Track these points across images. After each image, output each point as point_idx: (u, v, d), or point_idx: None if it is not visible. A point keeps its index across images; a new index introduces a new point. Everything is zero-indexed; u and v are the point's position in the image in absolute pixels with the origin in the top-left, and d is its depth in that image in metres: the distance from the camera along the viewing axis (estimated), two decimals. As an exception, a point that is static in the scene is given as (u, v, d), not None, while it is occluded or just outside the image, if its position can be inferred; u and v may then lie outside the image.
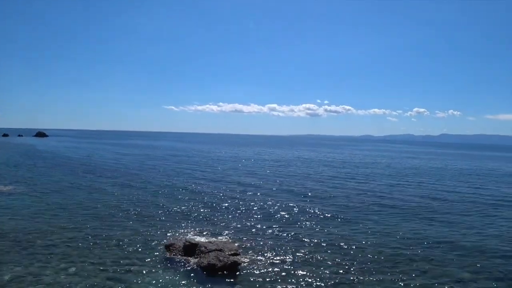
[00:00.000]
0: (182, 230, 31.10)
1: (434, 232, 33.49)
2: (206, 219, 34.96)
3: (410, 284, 21.74)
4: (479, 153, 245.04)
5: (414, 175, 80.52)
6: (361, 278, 22.75)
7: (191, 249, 25.21)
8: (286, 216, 37.17)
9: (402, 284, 21.77)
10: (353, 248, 28.07)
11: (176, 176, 64.01)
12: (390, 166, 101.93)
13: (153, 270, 22.60)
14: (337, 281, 22.15)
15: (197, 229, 31.65)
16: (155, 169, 75.05)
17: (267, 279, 22.03)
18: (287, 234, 31.04)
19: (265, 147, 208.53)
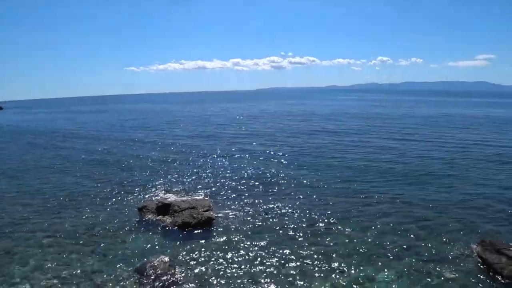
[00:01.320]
0: (155, 192, 31.46)
1: (400, 166, 35.42)
2: (178, 179, 35.35)
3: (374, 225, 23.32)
4: (441, 99, 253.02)
5: (380, 122, 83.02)
6: (328, 225, 24.15)
7: (164, 209, 25.69)
8: (257, 171, 37.98)
9: (378, 226, 23.40)
10: (322, 198, 29.39)
11: (143, 138, 63.22)
12: (356, 116, 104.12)
13: (128, 234, 23.04)
14: (308, 231, 23.39)
15: (169, 189, 32.08)
16: (120, 133, 73.71)
17: (241, 233, 22.98)
18: (259, 188, 31.99)
19: (231, 102, 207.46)
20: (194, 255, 20.18)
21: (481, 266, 19.07)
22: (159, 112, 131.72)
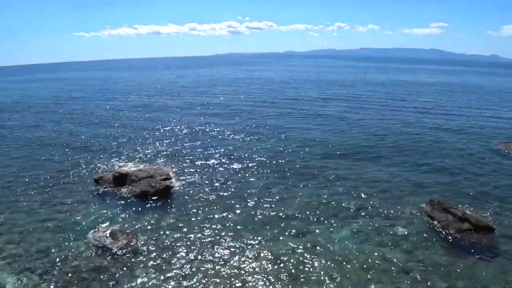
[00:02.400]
0: (110, 162, 30.67)
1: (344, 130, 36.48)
2: (134, 148, 34.59)
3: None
4: (395, 65, 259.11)
5: (338, 89, 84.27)
6: (286, 189, 24.70)
7: (121, 179, 25.17)
8: (214, 137, 37.87)
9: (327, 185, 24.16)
10: (279, 163, 29.85)
11: (97, 109, 60.34)
12: (314, 83, 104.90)
13: (84, 206, 22.49)
14: (265, 196, 23.81)
15: (126, 159, 31.39)
16: (71, 103, 70.17)
17: (200, 199, 23.07)
18: (216, 155, 31.95)
19: (189, 68, 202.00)
20: (153, 224, 20.07)
21: (430, 224, 20.29)
22: (112, 80, 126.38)
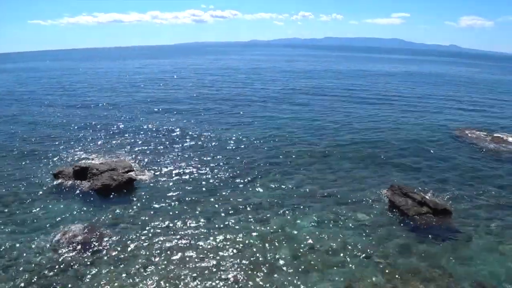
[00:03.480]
0: (70, 155, 29.61)
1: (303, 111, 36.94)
2: (95, 141, 33.53)
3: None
4: (358, 54, 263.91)
5: (302, 77, 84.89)
6: (251, 180, 24.78)
7: (82, 173, 24.37)
8: (178, 129, 37.27)
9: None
10: (243, 154, 29.85)
11: (54, 101, 57.28)
12: (278, 72, 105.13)
13: (43, 201, 21.63)
14: (230, 186, 23.81)
15: (87, 152, 30.41)
16: (28, 96, 66.92)
17: (164, 190, 22.75)
18: (180, 146, 31.54)
19: (151, 58, 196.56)
20: (115, 218, 19.63)
21: (391, 208, 20.92)
22: (71, 71, 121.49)
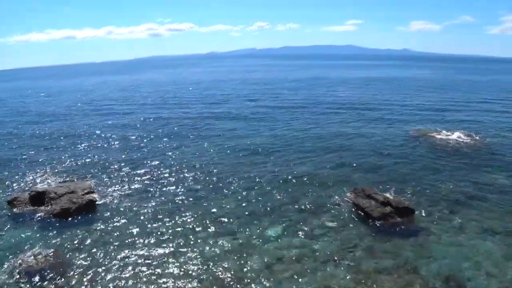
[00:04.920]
0: (25, 180, 28.14)
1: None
2: (51, 163, 32.02)
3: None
4: (315, 62, 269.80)
5: (261, 87, 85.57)
6: (214, 192, 24.54)
7: (39, 198, 23.24)
8: (136, 145, 36.44)
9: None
10: (204, 166, 29.57)
11: (4, 122, 55.14)
12: (240, 82, 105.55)
13: (-1, 231, 20.39)
14: (193, 201, 23.48)
15: (43, 175, 29.02)
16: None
17: (127, 210, 22.08)
18: (141, 163, 30.74)
19: (108, 74, 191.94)
20: (78, 243, 18.78)
21: (355, 211, 21.30)
22: (22, 91, 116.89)
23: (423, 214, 20.90)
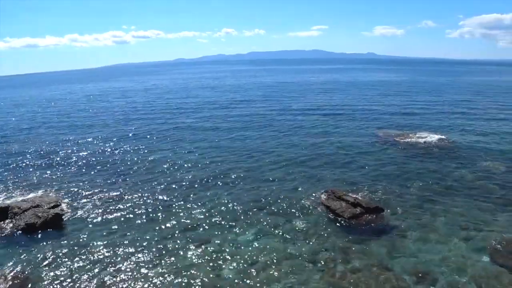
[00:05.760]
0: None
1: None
2: (14, 177, 30.62)
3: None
4: (283, 67, 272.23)
5: (226, 91, 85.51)
6: (184, 200, 24.25)
7: (2, 213, 22.26)
8: (102, 155, 35.47)
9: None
10: (175, 172, 29.20)
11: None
12: (208, 89, 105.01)
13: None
14: (165, 206, 23.11)
15: (6, 189, 27.74)
16: None
17: (95, 222, 21.43)
18: (107, 173, 29.99)
19: (72, 83, 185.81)
20: (45, 259, 18.01)
21: (327, 213, 21.52)
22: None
23: (393, 213, 21.37)
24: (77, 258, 17.90)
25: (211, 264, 17.00)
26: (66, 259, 17.87)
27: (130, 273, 16.55)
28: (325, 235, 19.29)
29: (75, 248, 18.93)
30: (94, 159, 34.47)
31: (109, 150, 37.49)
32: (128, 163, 32.67)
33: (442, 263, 16.64)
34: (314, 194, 24.00)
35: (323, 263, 16.84)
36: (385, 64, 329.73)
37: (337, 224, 20.31)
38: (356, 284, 15.29)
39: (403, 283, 15.33)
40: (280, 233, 19.56)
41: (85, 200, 24.73)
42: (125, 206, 23.53)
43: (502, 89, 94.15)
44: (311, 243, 18.54)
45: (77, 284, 15.91)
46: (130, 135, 44.12)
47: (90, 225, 21.19)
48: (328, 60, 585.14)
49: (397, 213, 21.43)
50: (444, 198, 23.39)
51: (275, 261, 17.09)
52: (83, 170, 31.13)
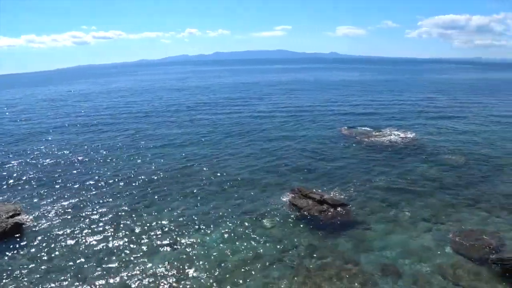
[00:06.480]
0: None
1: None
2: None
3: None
4: (247, 67, 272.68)
5: (192, 93, 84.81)
6: (151, 203, 23.87)
7: (-44, 225, 21.07)
8: (63, 159, 34.17)
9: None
10: (140, 176, 28.65)
11: None
12: (172, 89, 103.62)
13: None
14: (131, 211, 22.65)
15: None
16: None
17: (58, 230, 20.67)
18: (67, 178, 28.91)
19: (28, 86, 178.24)
20: (5, 271, 17.16)
21: (294, 211, 21.75)
22: None
23: (359, 208, 21.90)
24: (38, 267, 17.25)
25: (178, 267, 16.82)
26: (27, 269, 17.16)
27: (94, 281, 16.10)
28: (293, 233, 19.50)
29: (37, 256, 18.25)
30: (53, 166, 32.95)
31: (69, 157, 35.87)
32: (89, 170, 31.45)
33: (407, 255, 17.24)
34: (281, 194, 24.19)
35: (291, 260, 17.01)
36: (347, 63, 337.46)
37: (305, 221, 20.57)
38: (325, 280, 15.54)
39: (370, 276, 15.73)
40: (248, 233, 19.61)
41: (45, 209, 23.76)
42: (87, 214, 22.82)
43: (460, 86, 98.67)
44: (279, 241, 18.69)
45: (40, 295, 15.30)
46: (91, 141, 42.52)
47: (52, 234, 20.41)
48: (291, 60, 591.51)
49: (363, 208, 21.97)
50: (408, 192, 24.25)
51: (243, 260, 17.12)
52: (43, 179, 29.69)
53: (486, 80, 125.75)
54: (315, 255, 17.37)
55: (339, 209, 21.32)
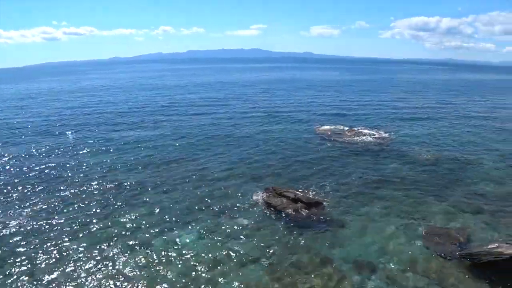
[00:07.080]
0: None
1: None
2: None
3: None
4: (222, 65, 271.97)
5: (166, 92, 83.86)
6: (124, 203, 23.37)
7: None
8: (32, 166, 32.68)
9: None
10: (114, 175, 28.06)
11: None
12: (144, 88, 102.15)
13: None
14: (103, 210, 22.12)
15: None
16: None
17: (26, 234, 19.86)
18: (37, 185, 27.67)
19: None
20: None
21: (268, 210, 21.73)
22: None
23: (333, 206, 22.09)
24: (6, 271, 16.56)
25: (152, 268, 16.49)
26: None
27: (67, 283, 15.60)
28: (268, 231, 19.48)
29: (5, 259, 17.49)
30: (22, 169, 31.65)
31: (38, 159, 34.56)
32: (60, 172, 30.38)
33: (380, 251, 17.55)
34: (255, 193, 24.14)
35: (266, 259, 16.98)
36: (320, 62, 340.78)
37: (279, 220, 20.58)
38: (300, 278, 15.58)
39: (344, 273, 15.88)
40: (223, 232, 19.46)
41: (14, 212, 22.86)
42: (61, 214, 22.11)
43: (432, 86, 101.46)
44: (254, 240, 18.62)
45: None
46: (62, 142, 41.24)
47: (21, 236, 19.67)
48: (266, 58, 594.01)
49: (337, 206, 22.17)
50: (381, 190, 24.68)
51: (218, 259, 16.97)
52: (14, 181, 28.59)
53: (457, 81, 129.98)
54: (289, 253, 17.39)
55: (313, 207, 21.43)
